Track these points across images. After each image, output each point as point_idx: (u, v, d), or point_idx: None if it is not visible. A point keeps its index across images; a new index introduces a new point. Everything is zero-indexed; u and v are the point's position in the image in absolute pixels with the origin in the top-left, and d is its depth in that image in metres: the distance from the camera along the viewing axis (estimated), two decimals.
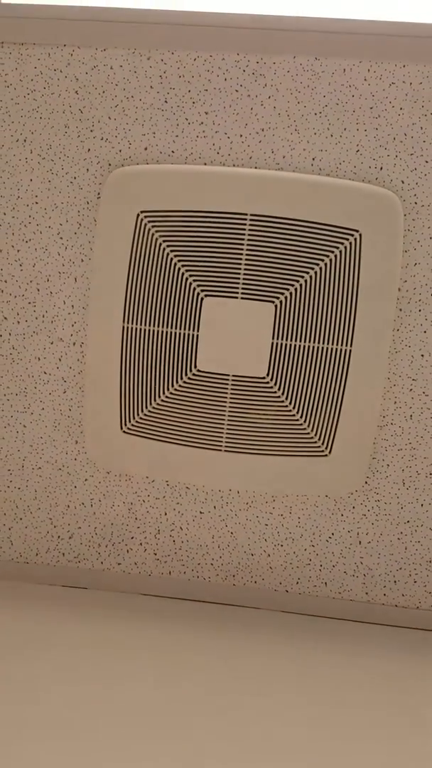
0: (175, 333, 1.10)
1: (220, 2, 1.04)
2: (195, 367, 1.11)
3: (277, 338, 1.08)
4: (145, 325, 1.10)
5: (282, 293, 1.07)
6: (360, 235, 1.03)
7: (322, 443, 1.12)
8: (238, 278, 1.07)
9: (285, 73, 1.02)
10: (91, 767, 0.87)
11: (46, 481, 1.21)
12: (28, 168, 1.09)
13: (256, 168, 1.06)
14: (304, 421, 1.11)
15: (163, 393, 1.13)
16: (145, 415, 1.14)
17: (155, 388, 1.13)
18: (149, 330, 1.10)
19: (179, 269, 1.08)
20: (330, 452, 1.12)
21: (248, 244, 1.06)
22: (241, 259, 1.06)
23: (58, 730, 0.93)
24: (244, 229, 1.05)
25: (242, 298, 1.07)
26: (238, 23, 1.01)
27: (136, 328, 1.11)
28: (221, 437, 1.13)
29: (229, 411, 1.12)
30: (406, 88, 1.01)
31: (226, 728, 0.95)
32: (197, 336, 1.09)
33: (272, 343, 1.08)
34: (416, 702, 1.02)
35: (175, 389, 1.12)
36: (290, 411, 1.11)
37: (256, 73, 1.03)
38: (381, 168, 1.04)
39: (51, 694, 0.99)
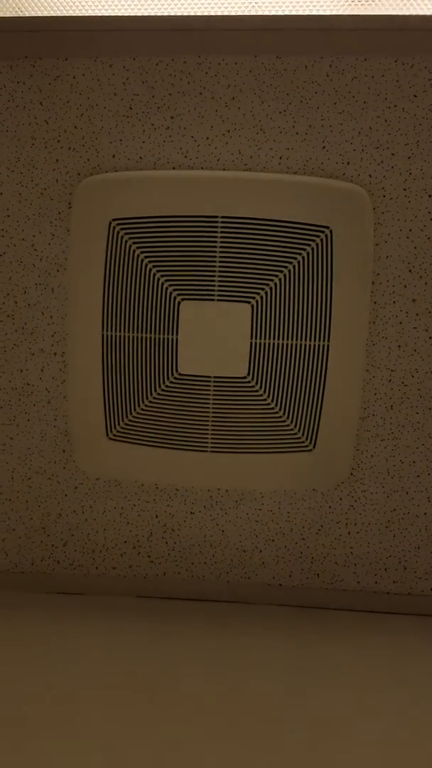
0: (155, 338, 1.11)
1: (179, 5, 1.04)
2: (176, 370, 1.11)
3: (256, 338, 1.09)
4: (125, 331, 1.11)
5: (257, 293, 1.07)
6: (330, 231, 1.04)
7: (306, 438, 1.13)
8: (214, 281, 1.07)
9: (247, 73, 1.02)
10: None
11: (37, 491, 1.22)
12: None
13: (224, 170, 1.06)
14: (287, 418, 1.12)
15: (147, 398, 1.13)
16: (130, 420, 1.15)
17: (138, 393, 1.13)
18: (129, 336, 1.11)
19: (154, 275, 1.08)
20: (314, 446, 1.13)
21: (221, 247, 1.06)
22: (215, 261, 1.07)
23: (62, 732, 0.94)
24: (216, 232, 1.06)
25: (218, 300, 1.08)
26: (198, 26, 1.01)
27: (116, 336, 1.11)
28: (206, 438, 1.14)
29: (213, 412, 1.13)
30: (368, 81, 1.01)
31: (228, 722, 0.97)
32: (177, 340, 1.10)
33: (251, 343, 1.09)
34: (413, 685, 1.04)
35: (158, 393, 1.13)
36: (273, 408, 1.12)
37: (218, 75, 1.03)
38: (348, 163, 1.04)
39: (53, 698, 1.00)
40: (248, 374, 1.11)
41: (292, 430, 1.13)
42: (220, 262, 1.07)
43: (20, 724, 0.96)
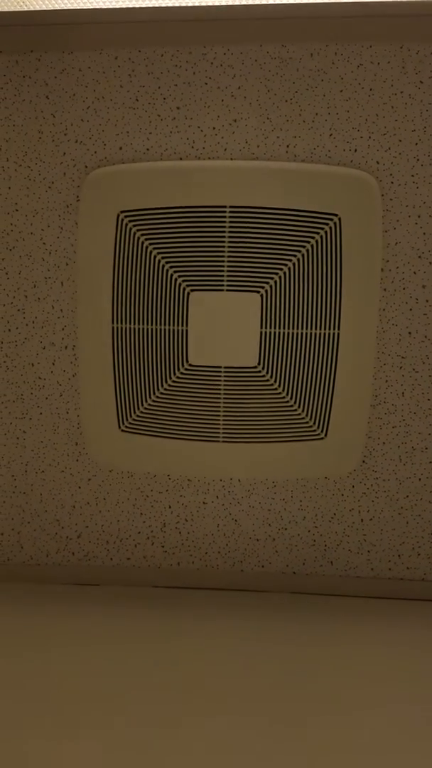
0: (165, 329, 1.11)
1: None
2: (187, 361, 1.12)
3: (266, 327, 1.09)
4: (134, 324, 1.11)
5: (267, 282, 1.08)
6: (339, 218, 1.04)
7: (318, 427, 1.13)
8: (223, 271, 1.08)
9: (253, 62, 1.02)
10: (109, 755, 0.90)
11: (50, 484, 1.23)
12: (5, 176, 1.10)
13: (231, 159, 1.06)
14: (298, 407, 1.13)
15: (158, 389, 1.14)
16: (142, 412, 1.16)
17: (149, 385, 1.14)
18: (139, 328, 1.12)
19: (163, 266, 1.08)
20: (326, 435, 1.14)
21: (230, 236, 1.06)
22: (223, 251, 1.07)
23: (80, 721, 0.96)
24: (225, 222, 1.06)
25: (228, 290, 1.08)
26: (202, 16, 1.01)
27: (126, 328, 1.12)
28: (218, 428, 1.15)
29: (224, 402, 1.13)
30: (374, 68, 1.01)
31: (242, 708, 0.98)
32: (186, 331, 1.11)
33: (261, 332, 1.10)
34: (428, 671, 1.05)
35: (169, 385, 1.14)
36: (284, 397, 1.12)
37: (224, 65, 1.03)
38: (355, 150, 1.04)
39: (71, 687, 1.01)
40: (258, 364, 1.11)
41: (303, 418, 1.13)
42: (229, 252, 1.07)
43: (38, 714, 0.97)
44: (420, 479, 1.17)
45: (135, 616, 1.18)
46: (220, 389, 1.13)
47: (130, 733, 0.94)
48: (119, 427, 1.17)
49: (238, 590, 1.24)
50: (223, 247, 1.07)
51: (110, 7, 1.03)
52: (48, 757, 0.90)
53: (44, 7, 1.04)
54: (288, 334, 1.09)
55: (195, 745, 0.92)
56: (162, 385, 1.14)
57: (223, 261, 1.07)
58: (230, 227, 1.06)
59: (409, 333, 1.11)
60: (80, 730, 0.94)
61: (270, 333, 1.10)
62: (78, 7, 1.03)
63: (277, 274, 1.07)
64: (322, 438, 1.14)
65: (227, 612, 1.18)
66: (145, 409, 1.16)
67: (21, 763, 0.89)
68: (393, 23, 0.99)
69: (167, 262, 1.08)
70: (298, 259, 1.06)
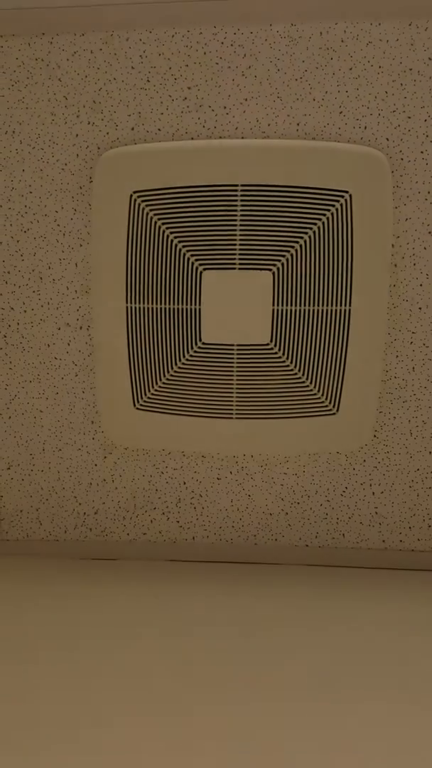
0: (178, 309, 1.13)
1: None
2: (200, 340, 1.14)
3: (278, 304, 1.11)
4: (148, 303, 1.13)
5: (279, 260, 1.09)
6: (350, 195, 1.06)
7: (330, 402, 1.16)
8: (235, 249, 1.09)
9: (263, 42, 1.03)
10: (134, 720, 0.93)
11: (68, 462, 1.26)
12: (19, 159, 1.11)
13: (242, 138, 1.08)
14: (310, 383, 1.15)
15: (172, 368, 1.16)
16: (156, 390, 1.18)
17: (163, 363, 1.16)
18: (152, 308, 1.13)
19: (176, 245, 1.10)
20: (338, 410, 1.16)
21: (241, 215, 1.08)
22: (235, 230, 1.09)
23: (97, 693, 0.99)
24: (236, 200, 1.07)
25: (240, 268, 1.10)
26: None
27: (139, 308, 1.14)
28: (231, 405, 1.17)
29: (237, 379, 1.15)
30: (383, 46, 1.02)
31: (257, 680, 1.01)
32: (200, 310, 1.12)
33: (273, 310, 1.11)
34: None
35: (183, 363, 1.16)
36: (296, 374, 1.14)
37: (234, 44, 1.04)
38: (365, 127, 1.05)
39: (90, 660, 1.05)
40: (271, 341, 1.13)
41: (315, 394, 1.15)
42: (241, 230, 1.08)
43: (55, 685, 1.00)
44: (431, 453, 1.19)
45: (152, 590, 1.21)
46: (233, 367, 1.15)
47: (145, 706, 0.97)
48: (134, 405, 1.19)
49: (252, 563, 1.27)
50: (235, 225, 1.08)
51: None
52: (66, 725, 0.94)
53: None
54: (300, 311, 1.11)
55: (203, 713, 0.95)
56: (176, 364, 1.16)
57: (235, 239, 1.09)
58: (242, 206, 1.07)
59: (420, 308, 1.13)
60: (98, 705, 0.98)
61: (282, 310, 1.11)
62: None
63: (288, 251, 1.09)
64: (333, 413, 1.16)
65: (242, 583, 1.21)
66: (160, 387, 1.18)
67: (42, 728, 0.93)
68: (401, 0, 1.00)
69: (180, 242, 1.10)
70: (310, 237, 1.08)
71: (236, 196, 1.07)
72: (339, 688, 0.98)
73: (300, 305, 1.11)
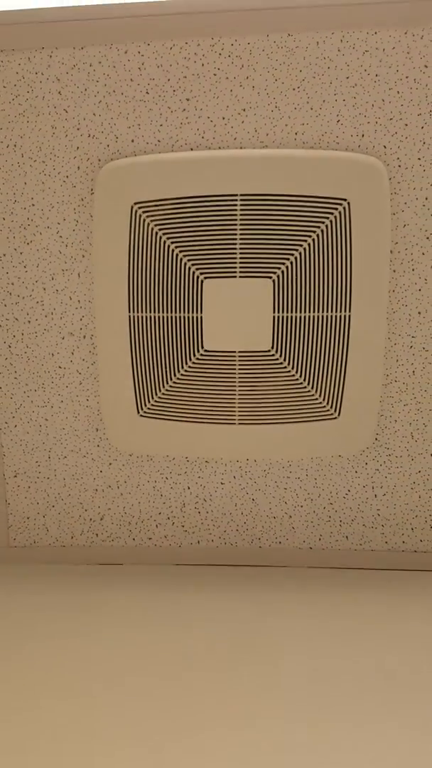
0: (180, 317, 1.14)
1: None
2: (202, 347, 1.15)
3: (278, 311, 1.13)
4: (150, 312, 1.15)
5: (278, 268, 1.10)
6: (348, 203, 1.07)
7: (331, 407, 1.17)
8: (235, 258, 1.11)
9: (260, 52, 1.04)
10: (132, 730, 0.95)
11: (73, 469, 1.27)
12: (21, 172, 1.13)
13: (241, 148, 1.09)
14: (312, 388, 1.16)
15: (175, 375, 1.18)
16: (160, 398, 1.19)
17: (166, 371, 1.18)
18: (154, 317, 1.15)
19: (177, 255, 1.11)
20: (339, 414, 1.17)
21: (241, 224, 1.09)
22: (235, 238, 1.10)
23: (102, 697, 1.01)
24: (236, 210, 1.08)
25: (240, 276, 1.11)
26: (209, 7, 1.03)
27: (142, 316, 1.15)
28: (234, 411, 1.18)
29: (239, 385, 1.17)
30: (379, 54, 1.03)
31: (262, 682, 1.02)
32: (201, 318, 1.14)
33: (274, 317, 1.13)
34: None
35: (186, 370, 1.17)
36: (297, 379, 1.16)
37: (232, 55, 1.05)
38: (363, 135, 1.07)
39: (98, 664, 1.06)
40: (272, 347, 1.14)
41: (316, 399, 1.17)
42: (241, 239, 1.10)
43: (64, 689, 1.02)
44: None
45: (157, 593, 1.22)
46: (235, 373, 1.16)
47: (152, 705, 0.99)
48: (138, 412, 1.21)
49: (257, 566, 1.29)
50: (235, 234, 1.09)
51: (119, 2, 1.05)
52: (70, 728, 0.95)
53: (55, 4, 1.06)
54: (300, 317, 1.13)
55: (215, 720, 0.97)
56: (178, 371, 1.17)
57: (235, 248, 1.10)
58: (241, 215, 1.09)
59: (419, 313, 1.14)
60: (103, 708, 0.99)
61: (282, 317, 1.13)
62: (87, 4, 1.05)
63: (288, 259, 1.10)
64: (335, 418, 1.18)
65: (247, 586, 1.23)
66: (163, 394, 1.19)
67: (56, 731, 0.94)
68: (397, 9, 1.01)
69: (181, 251, 1.11)
70: (309, 244, 1.09)
71: (236, 205, 1.08)
72: (343, 691, 1.00)
73: (300, 312, 1.12)
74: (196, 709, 0.98)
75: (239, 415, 1.19)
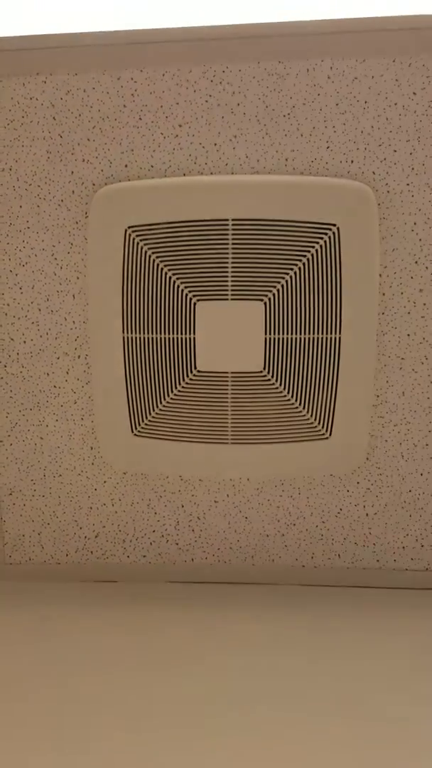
0: (173, 338, 1.16)
1: (181, 17, 1.07)
2: (195, 368, 1.17)
3: (270, 333, 1.14)
4: (144, 333, 1.16)
5: (270, 291, 1.12)
6: (338, 228, 1.08)
7: (322, 427, 1.18)
8: (227, 281, 1.12)
9: (251, 79, 1.06)
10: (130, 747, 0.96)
11: (68, 487, 1.29)
12: (16, 195, 1.14)
13: (232, 174, 1.10)
14: (303, 408, 1.18)
15: (168, 395, 1.19)
16: (153, 417, 1.21)
17: (160, 391, 1.19)
18: (148, 338, 1.16)
19: (170, 278, 1.13)
20: (330, 435, 1.19)
21: (233, 248, 1.11)
22: (227, 262, 1.11)
23: (98, 716, 1.02)
24: (228, 234, 1.10)
25: (232, 299, 1.13)
26: (201, 35, 1.05)
27: (136, 337, 1.17)
28: (226, 431, 1.20)
29: (232, 406, 1.18)
30: (368, 81, 1.05)
31: (256, 697, 1.04)
32: (194, 339, 1.15)
33: (265, 339, 1.14)
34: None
35: (179, 391, 1.19)
36: (289, 400, 1.17)
37: (223, 82, 1.06)
38: (352, 161, 1.08)
39: (91, 681, 1.07)
40: (264, 368, 1.16)
41: (308, 419, 1.18)
42: (233, 262, 1.11)
43: (57, 707, 1.03)
44: (422, 474, 1.22)
45: (151, 611, 1.23)
46: (227, 394, 1.18)
47: (149, 723, 1.00)
48: (132, 431, 1.22)
49: (250, 584, 1.30)
50: (227, 258, 1.11)
51: (112, 29, 1.06)
52: (63, 749, 0.96)
53: (49, 31, 1.08)
54: (292, 339, 1.14)
55: (210, 737, 0.98)
56: (172, 391, 1.19)
57: (227, 271, 1.12)
58: (233, 239, 1.10)
59: (408, 335, 1.15)
60: (97, 729, 1.00)
61: (274, 339, 1.14)
62: (81, 31, 1.07)
63: (279, 282, 1.11)
64: (326, 438, 1.19)
65: (240, 605, 1.24)
66: (157, 414, 1.21)
67: (56, 751, 0.96)
68: (385, 38, 1.03)
69: (174, 274, 1.13)
70: (300, 268, 1.10)
71: (227, 229, 1.10)
72: (337, 708, 1.01)
73: (292, 333, 1.14)
74: (191, 721, 0.99)
75: (232, 435, 1.20)
